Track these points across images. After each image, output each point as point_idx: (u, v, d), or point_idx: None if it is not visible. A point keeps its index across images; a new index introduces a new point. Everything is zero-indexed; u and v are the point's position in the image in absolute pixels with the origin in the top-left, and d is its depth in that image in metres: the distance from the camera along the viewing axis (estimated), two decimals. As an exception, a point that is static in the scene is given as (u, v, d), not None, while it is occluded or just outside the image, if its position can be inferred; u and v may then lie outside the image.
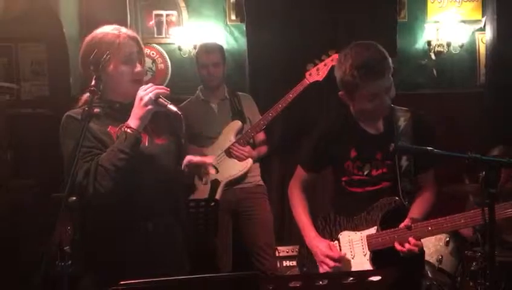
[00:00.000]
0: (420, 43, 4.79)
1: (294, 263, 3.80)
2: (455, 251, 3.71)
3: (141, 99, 2.00)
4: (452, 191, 3.68)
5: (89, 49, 2.06)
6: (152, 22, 4.66)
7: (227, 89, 3.83)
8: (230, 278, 1.68)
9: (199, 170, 2.15)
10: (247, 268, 3.66)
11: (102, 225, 2.06)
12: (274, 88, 4.26)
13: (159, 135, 2.17)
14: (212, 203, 2.60)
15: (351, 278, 1.68)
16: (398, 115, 2.42)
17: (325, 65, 3.63)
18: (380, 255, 2.35)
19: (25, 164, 4.21)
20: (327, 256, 2.37)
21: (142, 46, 2.19)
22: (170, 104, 2.00)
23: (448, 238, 3.71)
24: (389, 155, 2.36)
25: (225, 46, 4.22)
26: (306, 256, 2.53)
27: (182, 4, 4.65)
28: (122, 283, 1.48)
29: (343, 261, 2.38)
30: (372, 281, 1.67)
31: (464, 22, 4.76)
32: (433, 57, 4.75)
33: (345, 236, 2.44)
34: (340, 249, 2.43)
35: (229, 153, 3.64)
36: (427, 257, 3.40)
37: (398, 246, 2.27)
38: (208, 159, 2.19)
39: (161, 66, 4.67)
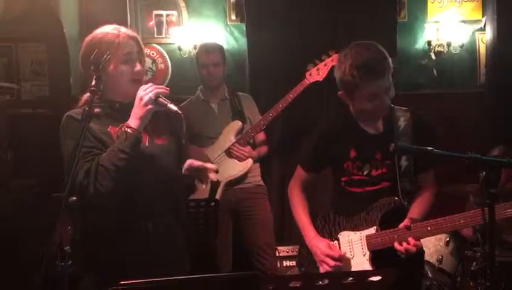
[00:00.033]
0: (420, 43, 4.78)
1: (294, 263, 3.80)
2: (455, 251, 3.71)
3: (141, 99, 2.00)
4: (452, 191, 3.67)
5: (89, 49, 2.06)
6: (152, 22, 4.66)
7: (228, 89, 3.83)
8: (230, 278, 1.68)
9: (200, 174, 2.15)
10: (247, 268, 3.65)
11: (102, 225, 2.06)
12: (274, 88, 4.26)
13: (160, 135, 2.17)
14: (212, 203, 2.60)
15: (351, 278, 1.68)
16: (398, 115, 2.42)
17: (325, 65, 3.62)
18: (379, 255, 2.35)
19: (25, 164, 4.20)
20: (327, 255, 2.37)
21: (142, 45, 2.19)
22: (170, 103, 2.00)
23: (448, 238, 3.71)
24: (389, 155, 2.36)
25: (225, 46, 4.22)
26: (306, 256, 2.53)
27: (182, 4, 4.65)
28: (122, 283, 1.48)
29: (343, 260, 2.38)
30: (372, 281, 1.67)
31: (464, 22, 4.75)
32: (433, 57, 4.75)
33: (345, 236, 2.44)
34: (340, 249, 2.43)
35: (229, 153, 3.64)
36: (427, 257, 3.40)
37: (397, 246, 2.27)
38: (210, 165, 2.18)
39: (161, 66, 4.67)
